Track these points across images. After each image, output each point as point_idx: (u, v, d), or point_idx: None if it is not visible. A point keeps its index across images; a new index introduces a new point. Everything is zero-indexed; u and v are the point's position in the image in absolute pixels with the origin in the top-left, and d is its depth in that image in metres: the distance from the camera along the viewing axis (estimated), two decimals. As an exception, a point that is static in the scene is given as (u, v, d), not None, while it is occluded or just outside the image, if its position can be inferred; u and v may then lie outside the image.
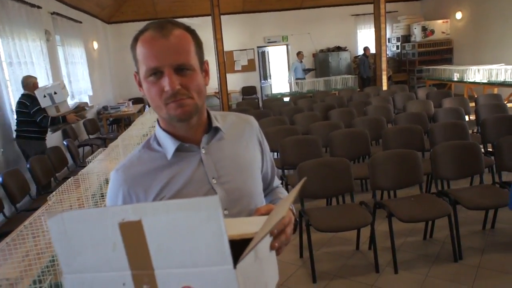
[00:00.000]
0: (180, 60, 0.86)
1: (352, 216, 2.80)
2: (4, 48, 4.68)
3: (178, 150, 0.94)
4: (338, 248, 3.19)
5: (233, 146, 1.01)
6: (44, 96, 4.50)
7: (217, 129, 0.98)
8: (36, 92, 4.51)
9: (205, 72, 0.95)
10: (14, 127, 4.69)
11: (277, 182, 1.21)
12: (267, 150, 1.12)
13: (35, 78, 4.71)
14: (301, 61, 10.16)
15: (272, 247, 0.79)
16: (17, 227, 2.30)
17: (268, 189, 1.18)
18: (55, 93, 4.55)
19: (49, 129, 4.73)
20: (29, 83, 4.52)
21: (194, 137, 0.96)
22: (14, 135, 4.66)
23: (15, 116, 4.67)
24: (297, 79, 9.78)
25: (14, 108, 4.68)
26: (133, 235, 0.59)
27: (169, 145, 0.95)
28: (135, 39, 0.89)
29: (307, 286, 2.74)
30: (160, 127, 0.98)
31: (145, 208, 0.59)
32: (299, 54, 10.21)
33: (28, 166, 4.01)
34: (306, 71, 10.18)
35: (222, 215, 0.56)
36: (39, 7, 5.67)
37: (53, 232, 0.61)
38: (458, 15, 10.03)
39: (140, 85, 0.92)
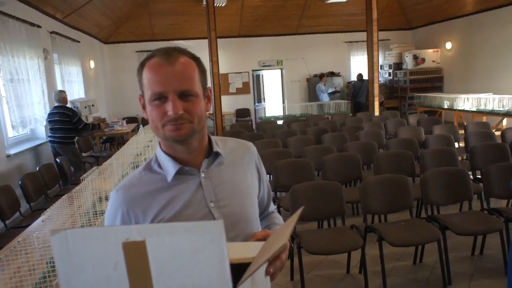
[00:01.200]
0: (184, 86, 0.89)
1: (343, 239, 2.83)
2: (4, 65, 4.73)
3: (178, 173, 0.96)
4: (329, 271, 3.20)
5: (232, 171, 1.03)
6: (85, 107, 5.87)
7: (217, 154, 1.01)
8: (79, 102, 5.74)
9: (208, 98, 0.99)
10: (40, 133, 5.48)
11: (272, 207, 1.23)
12: (264, 176, 1.14)
13: (65, 92, 5.61)
14: (324, 84, 10.38)
15: (267, 273, 0.81)
16: (7, 243, 2.29)
17: (264, 214, 1.19)
18: (92, 105, 6.02)
19: (83, 134, 5.81)
20: (62, 97, 5.43)
21: (195, 161, 0.98)
22: (49, 140, 5.52)
23: (44, 124, 5.71)
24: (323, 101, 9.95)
25: (45, 117, 5.56)
26: (135, 255, 0.60)
27: (170, 168, 0.97)
28: (142, 65, 0.93)
29: (297, 309, 2.73)
30: (162, 149, 1.00)
31: (150, 229, 0.60)
32: (322, 77, 10.41)
33: (20, 183, 4.00)
34: (331, 94, 10.34)
35: (225, 239, 0.58)
36: (39, 26, 5.75)
37: (55, 249, 0.62)
38: (448, 45, 10.32)
39: (144, 107, 0.95)
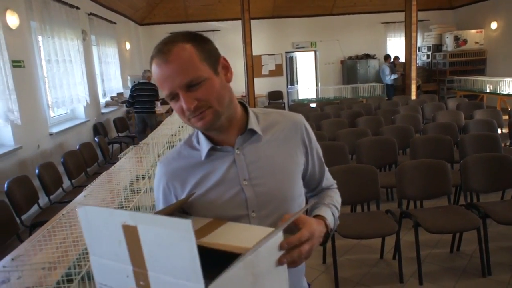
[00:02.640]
0: (186, 78, 0.86)
1: (377, 224, 2.78)
2: (44, 46, 4.89)
3: (212, 149, 0.97)
4: (362, 256, 3.17)
5: (271, 148, 0.99)
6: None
7: (253, 131, 0.98)
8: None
9: (225, 68, 0.94)
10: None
11: (329, 182, 1.18)
12: (314, 150, 1.09)
13: (150, 71, 6.38)
14: (390, 66, 9.71)
15: (279, 262, 0.76)
16: (52, 217, 2.41)
17: (317, 189, 1.16)
18: None
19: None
20: (147, 76, 6.71)
21: (229, 139, 0.98)
22: (136, 111, 6.64)
23: (128, 97, 6.88)
24: (386, 84, 9.48)
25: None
26: (132, 237, 0.66)
27: (204, 146, 0.98)
28: (150, 65, 0.92)
29: (329, 291, 2.73)
30: None
31: (139, 217, 0.65)
32: (387, 59, 9.81)
33: (62, 160, 4.17)
34: (394, 77, 9.62)
35: (195, 238, 0.59)
36: (77, 7, 5.89)
37: (81, 220, 0.71)
38: (493, 25, 9.78)
39: None
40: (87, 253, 1.62)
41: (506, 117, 5.59)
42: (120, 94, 8.22)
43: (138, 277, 0.67)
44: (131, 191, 2.46)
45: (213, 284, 0.60)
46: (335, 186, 1.20)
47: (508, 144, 4.90)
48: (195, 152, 1.00)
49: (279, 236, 0.76)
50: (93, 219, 0.70)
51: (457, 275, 2.81)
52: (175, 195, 1.01)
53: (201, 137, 0.99)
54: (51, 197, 3.71)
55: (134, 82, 7.20)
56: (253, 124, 0.98)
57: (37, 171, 3.65)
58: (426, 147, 3.92)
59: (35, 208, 3.50)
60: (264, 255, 0.72)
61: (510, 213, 2.80)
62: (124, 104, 7.43)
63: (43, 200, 3.72)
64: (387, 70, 9.68)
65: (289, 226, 0.82)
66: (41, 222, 2.83)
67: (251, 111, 1.01)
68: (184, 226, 0.59)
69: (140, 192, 2.24)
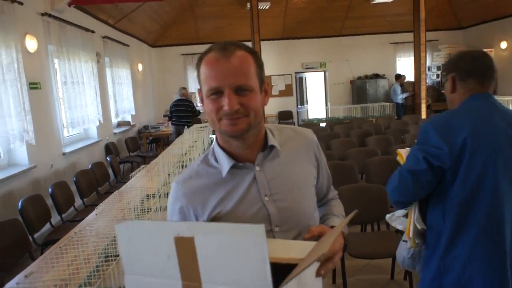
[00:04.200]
0: (240, 81, 0.90)
1: (388, 243, 2.76)
2: (61, 68, 5.04)
3: (233, 167, 0.98)
4: (372, 276, 3.13)
5: (288, 163, 1.02)
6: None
7: (272, 147, 1.01)
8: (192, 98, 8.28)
9: (265, 91, 0.99)
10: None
11: (333, 193, 1.22)
12: (323, 163, 1.13)
13: (186, 89, 8.02)
14: (401, 86, 9.79)
15: (318, 274, 0.80)
16: (64, 235, 2.45)
17: (323, 200, 1.19)
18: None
19: (196, 118, 7.89)
20: (183, 93, 7.68)
21: (250, 155, 0.99)
22: (174, 124, 7.49)
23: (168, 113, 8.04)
24: (396, 103, 9.57)
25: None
26: (185, 249, 0.64)
27: (225, 163, 0.98)
28: (200, 59, 0.94)
29: (339, 313, 2.70)
30: (218, 143, 1.01)
31: (198, 226, 0.65)
32: (398, 78, 9.84)
33: (74, 179, 4.25)
34: (406, 95, 9.66)
35: (267, 242, 0.59)
36: (93, 31, 6.09)
37: (119, 237, 0.69)
38: (503, 45, 9.78)
39: (202, 101, 0.97)
40: (98, 271, 1.65)
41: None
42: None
43: None
44: (142, 210, 2.50)
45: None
46: (337, 196, 1.25)
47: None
48: (213, 170, 1.01)
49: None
50: (135, 235, 0.67)
51: (470, 297, 2.76)
52: (195, 215, 1.00)
53: (220, 154, 0.99)
54: (63, 215, 3.77)
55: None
56: (272, 140, 1.01)
57: (50, 190, 3.72)
58: (437, 166, 3.89)
59: (47, 226, 3.55)
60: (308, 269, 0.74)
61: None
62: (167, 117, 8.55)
63: (55, 218, 3.78)
64: (398, 89, 9.71)
65: (314, 238, 0.88)
66: (53, 241, 2.87)
67: (266, 127, 1.04)
68: (257, 231, 0.59)
69: (150, 211, 2.27)
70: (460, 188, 1.42)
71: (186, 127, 7.08)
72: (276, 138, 1.03)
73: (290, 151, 1.04)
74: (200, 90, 0.97)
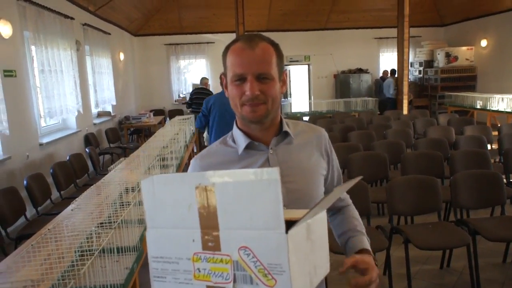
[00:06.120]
0: (262, 69, 0.98)
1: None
2: (38, 56, 4.87)
3: (248, 147, 1.06)
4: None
5: (300, 151, 1.10)
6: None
7: (286, 133, 1.09)
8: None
9: (283, 81, 1.08)
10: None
11: (346, 200, 1.26)
12: (335, 162, 1.20)
13: (207, 79, 8.28)
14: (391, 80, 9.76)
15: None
16: (39, 229, 2.37)
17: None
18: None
19: None
20: (204, 82, 7.87)
21: (265, 138, 1.07)
22: (192, 111, 7.26)
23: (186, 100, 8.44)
24: (388, 98, 9.56)
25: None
26: (205, 198, 0.68)
27: (241, 142, 1.07)
28: (227, 48, 1.03)
29: (319, 308, 2.70)
30: (237, 126, 1.10)
31: (217, 174, 0.68)
32: (393, 73, 9.71)
33: (51, 171, 4.13)
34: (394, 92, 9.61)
35: (280, 184, 0.64)
36: (72, 18, 5.90)
37: (143, 192, 0.73)
38: (483, 43, 9.95)
39: (226, 87, 1.06)
40: (72, 270, 1.59)
41: (496, 133, 5.65)
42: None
43: (206, 238, 0.68)
44: (120, 204, 2.43)
45: (291, 231, 0.64)
46: (351, 201, 1.28)
47: (497, 160, 4.94)
48: (230, 149, 1.09)
49: (324, 212, 0.82)
50: (160, 189, 0.71)
51: (447, 292, 2.81)
52: None
53: (238, 134, 1.08)
54: (39, 208, 3.66)
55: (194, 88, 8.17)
56: (286, 127, 1.10)
57: (25, 182, 3.60)
58: (417, 162, 3.94)
59: (21, 220, 3.44)
60: (317, 224, 0.77)
61: (499, 230, 2.81)
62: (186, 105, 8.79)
63: (30, 211, 3.67)
64: (393, 84, 9.67)
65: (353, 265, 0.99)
66: (28, 235, 2.78)
67: (283, 118, 1.12)
68: (273, 173, 0.64)
69: (130, 205, 2.21)
70: None
71: None
72: (291, 128, 1.11)
73: (302, 141, 1.12)
74: (224, 76, 1.06)
